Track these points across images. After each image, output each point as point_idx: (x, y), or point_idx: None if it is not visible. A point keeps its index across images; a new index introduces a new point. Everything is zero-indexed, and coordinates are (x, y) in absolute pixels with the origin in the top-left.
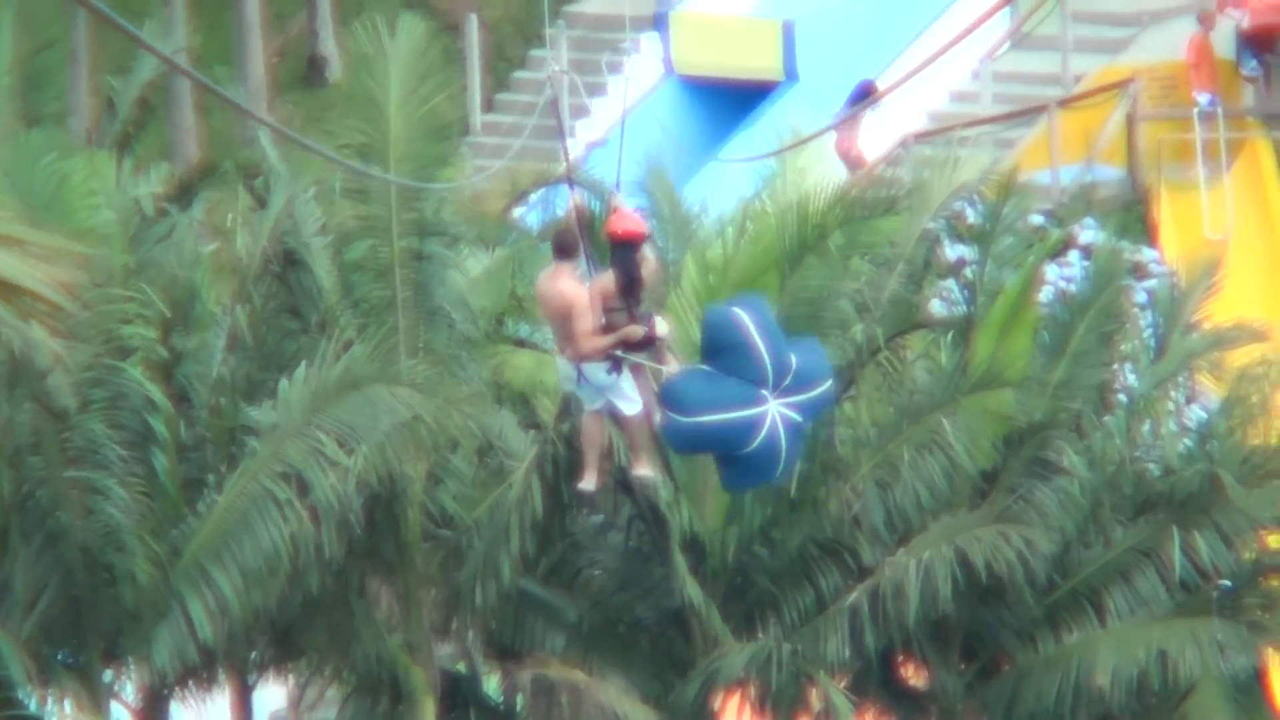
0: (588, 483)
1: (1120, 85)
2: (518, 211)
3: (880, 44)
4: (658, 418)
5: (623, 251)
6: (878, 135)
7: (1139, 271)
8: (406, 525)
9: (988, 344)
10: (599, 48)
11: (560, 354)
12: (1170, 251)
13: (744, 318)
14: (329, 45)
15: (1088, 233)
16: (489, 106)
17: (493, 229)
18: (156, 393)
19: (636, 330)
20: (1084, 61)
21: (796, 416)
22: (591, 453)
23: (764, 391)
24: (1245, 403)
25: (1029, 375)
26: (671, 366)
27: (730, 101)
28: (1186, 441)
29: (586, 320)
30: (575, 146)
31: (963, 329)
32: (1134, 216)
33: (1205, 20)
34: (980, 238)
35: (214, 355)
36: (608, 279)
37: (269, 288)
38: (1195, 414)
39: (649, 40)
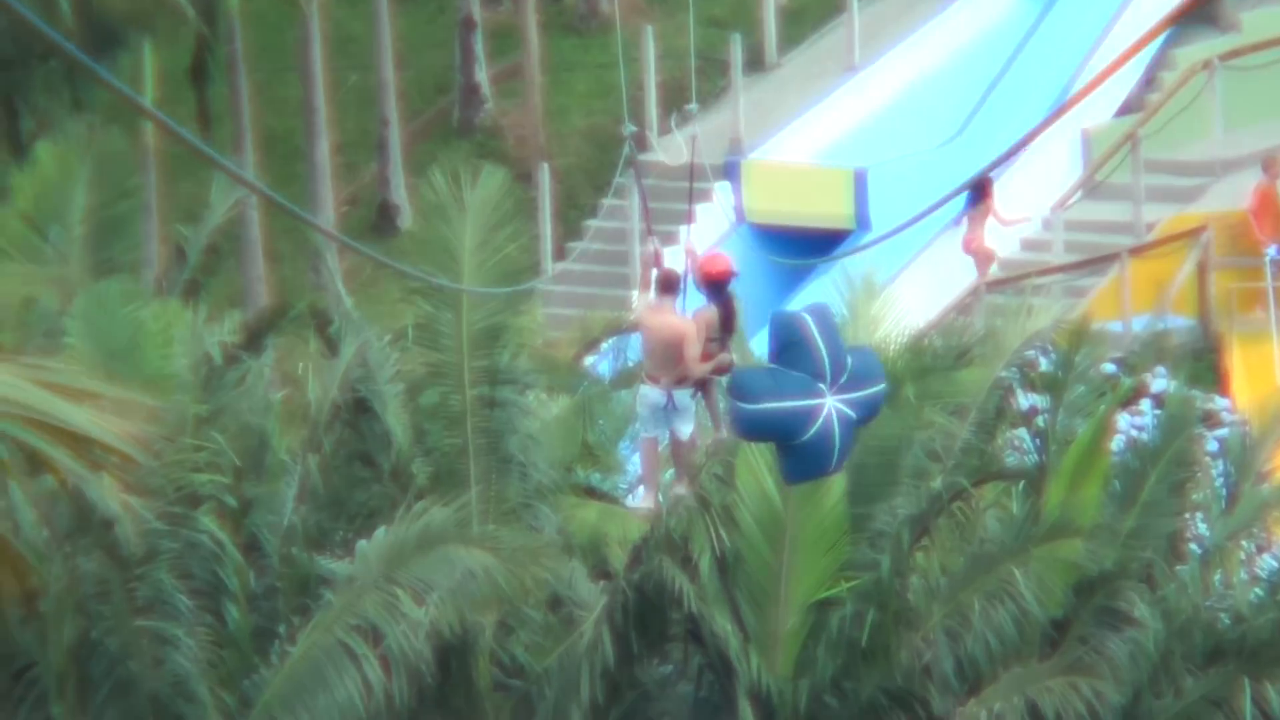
0: (647, 500)
1: (1192, 234)
2: (589, 359)
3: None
4: (721, 433)
5: (718, 289)
6: (948, 280)
7: (1210, 420)
8: (478, 674)
9: (1059, 493)
10: (670, 197)
11: (651, 382)
12: (1241, 400)
13: (807, 319)
14: (400, 193)
15: (1159, 381)
16: (560, 254)
17: (564, 377)
18: (227, 541)
19: (729, 358)
20: (1155, 210)
21: (851, 413)
22: (650, 474)
23: (822, 385)
24: None
25: (1100, 524)
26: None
27: (801, 250)
28: (1258, 590)
29: (695, 348)
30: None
31: (1034, 478)
32: (1205, 365)
33: (1270, 168)
34: (1052, 386)
35: (285, 504)
36: (710, 313)
37: (340, 435)
38: (1267, 563)
39: (720, 189)
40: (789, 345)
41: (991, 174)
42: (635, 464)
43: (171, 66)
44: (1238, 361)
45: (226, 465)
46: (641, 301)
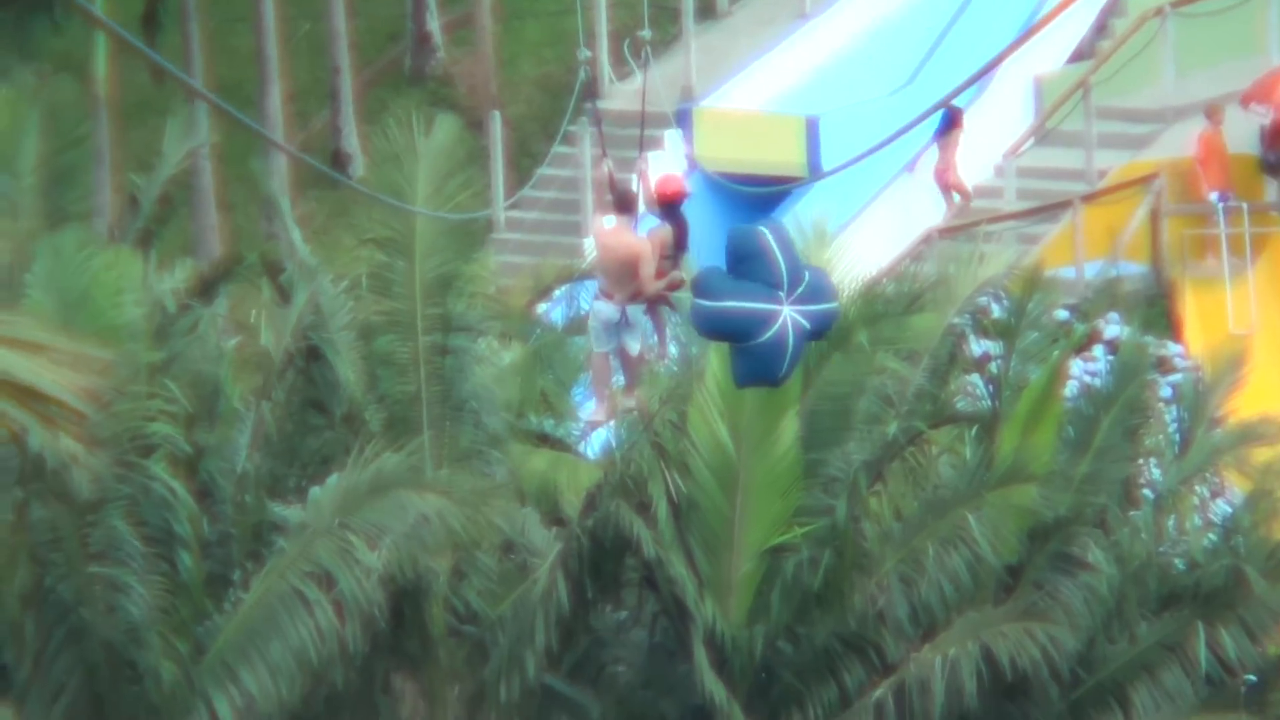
0: (598, 414)
1: (1144, 181)
2: (542, 307)
3: (905, 139)
4: (667, 349)
5: (671, 209)
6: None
7: (1164, 366)
8: (431, 620)
9: (1012, 439)
10: (622, 144)
11: (606, 298)
12: (1195, 346)
13: (765, 231)
14: (352, 142)
15: (1112, 328)
16: (513, 202)
17: (517, 324)
18: (180, 488)
19: (680, 276)
20: (1108, 157)
21: (805, 323)
22: (601, 388)
23: (780, 293)
24: (1270, 498)
25: (1054, 470)
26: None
27: (753, 196)
28: (1211, 536)
29: (650, 266)
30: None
31: (987, 423)
32: (1158, 312)
33: (1213, 116)
34: (1005, 333)
35: (238, 451)
36: (665, 232)
37: (293, 382)
38: (1220, 509)
39: (672, 136)
40: (746, 257)
41: (958, 102)
42: (587, 411)
43: (124, 15)
44: (1190, 307)
45: (180, 413)
46: (597, 221)
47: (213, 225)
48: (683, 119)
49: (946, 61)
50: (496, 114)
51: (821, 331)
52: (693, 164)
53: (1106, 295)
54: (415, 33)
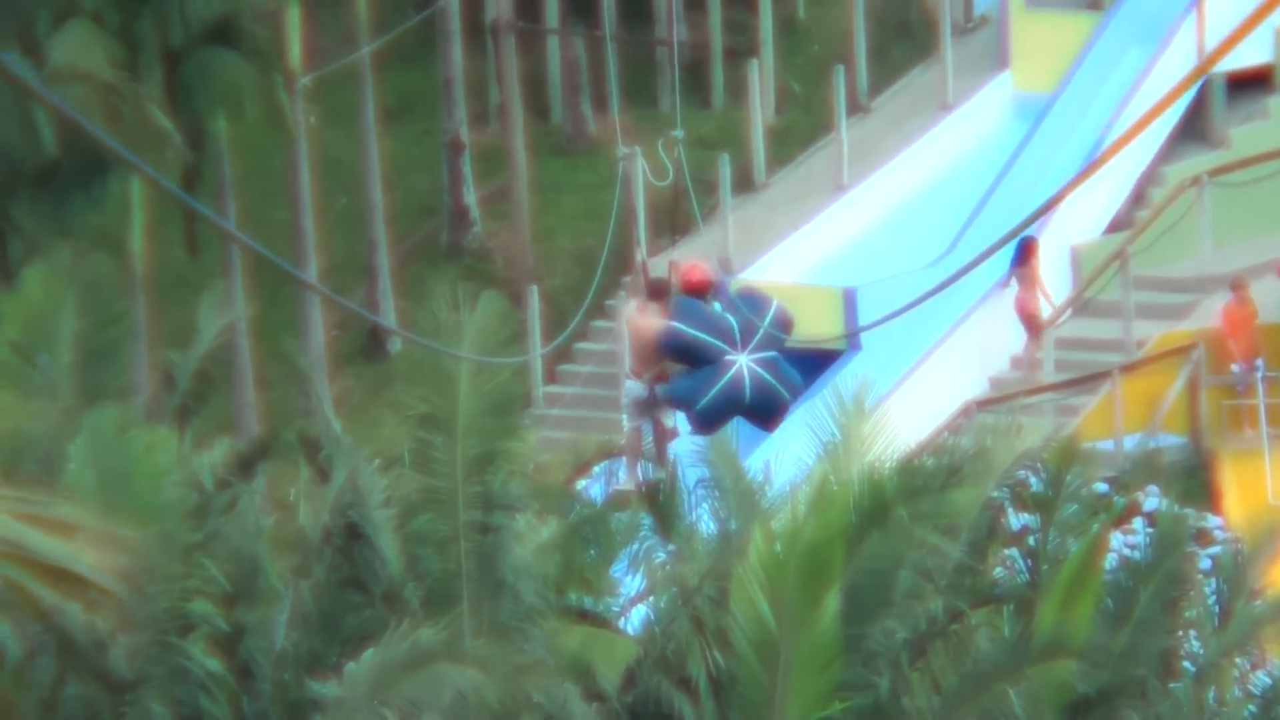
0: (628, 483)
1: (1182, 351)
2: (580, 483)
3: (942, 310)
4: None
5: (697, 297)
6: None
7: (1203, 538)
8: None
9: (1051, 612)
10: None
11: (635, 377)
12: (1234, 518)
13: (674, 328)
14: (390, 317)
15: (1151, 500)
16: (551, 378)
17: (556, 500)
18: (218, 666)
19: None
20: (1146, 327)
21: (762, 372)
22: (632, 458)
23: (729, 356)
24: None
25: (1093, 642)
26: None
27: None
28: (1251, 708)
29: (644, 350)
30: None
31: (1026, 598)
32: (1197, 483)
33: (1237, 288)
34: (1043, 505)
35: (277, 629)
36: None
37: (332, 560)
38: (1260, 680)
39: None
40: (683, 352)
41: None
42: (628, 586)
43: (160, 190)
44: (1229, 479)
45: (218, 592)
46: (630, 306)
47: (250, 402)
48: (721, 292)
49: (985, 231)
50: (534, 288)
51: (785, 379)
52: None
53: (1145, 467)
54: (452, 206)
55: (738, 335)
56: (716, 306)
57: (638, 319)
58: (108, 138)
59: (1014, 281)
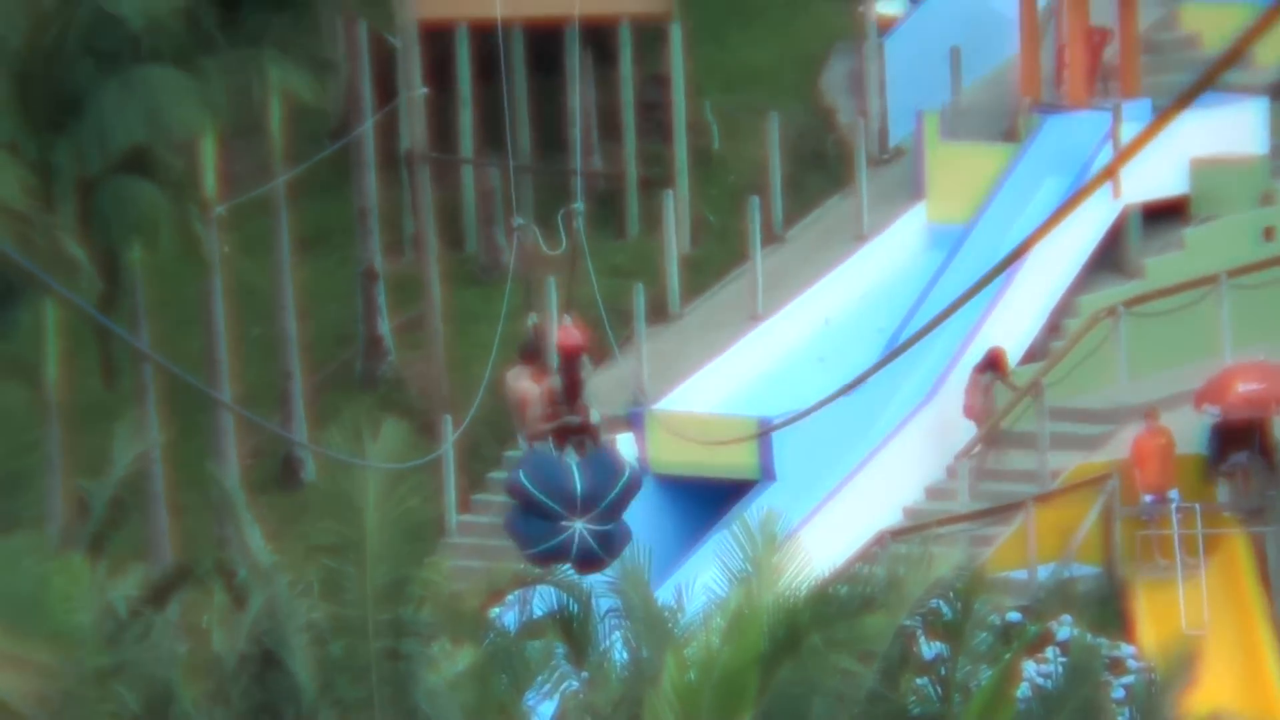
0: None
1: (1097, 482)
2: (494, 611)
3: (858, 440)
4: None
5: (566, 361)
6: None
7: (1116, 667)
8: None
9: None
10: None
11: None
12: (1147, 647)
13: (519, 483)
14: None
15: (1064, 629)
16: (465, 507)
17: (469, 628)
18: None
19: (573, 420)
20: (1061, 458)
21: (605, 527)
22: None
23: (564, 523)
24: None
25: None
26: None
27: (706, 500)
28: None
29: (535, 409)
30: None
31: None
32: (1111, 612)
33: (1150, 418)
34: (955, 634)
35: None
36: (554, 381)
37: (246, 687)
38: None
39: (623, 440)
40: (523, 504)
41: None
42: (543, 714)
43: (74, 319)
44: (1143, 608)
45: (131, 718)
46: (514, 371)
47: (164, 529)
48: (635, 422)
49: (898, 362)
50: (448, 417)
51: (613, 548)
52: (645, 466)
53: (1059, 596)
54: (366, 335)
55: (579, 500)
56: (575, 429)
57: (512, 381)
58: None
59: (973, 385)
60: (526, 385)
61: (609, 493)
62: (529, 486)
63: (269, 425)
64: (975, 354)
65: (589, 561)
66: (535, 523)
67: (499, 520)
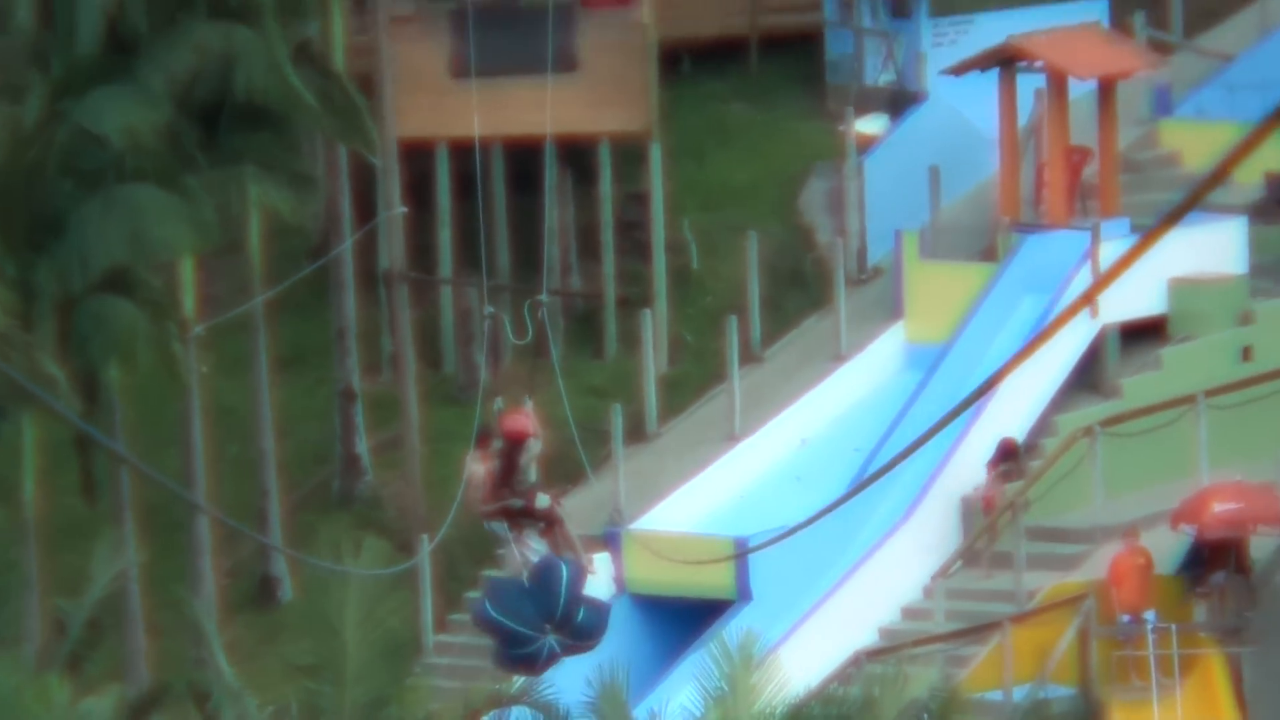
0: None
1: (1073, 602)
2: None
3: (834, 560)
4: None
5: (509, 445)
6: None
7: None
8: None
9: None
10: None
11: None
12: None
13: (484, 611)
14: (280, 566)
15: None
16: (442, 627)
17: None
18: None
19: (515, 503)
20: (1037, 578)
21: (558, 650)
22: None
23: (547, 626)
24: None
25: None
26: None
27: (683, 620)
28: None
29: (477, 492)
30: None
31: None
32: None
33: (1128, 538)
34: None
35: None
36: (494, 466)
37: None
38: None
39: (600, 561)
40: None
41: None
42: None
43: (53, 437)
44: None
45: None
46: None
47: (141, 649)
48: (612, 541)
49: (874, 484)
50: (425, 537)
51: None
52: (621, 587)
53: (1035, 717)
54: (344, 455)
55: (543, 620)
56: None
57: (468, 464)
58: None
59: (987, 479)
60: (475, 468)
61: (557, 602)
62: (496, 616)
63: (250, 533)
64: (952, 475)
65: (574, 649)
66: (515, 652)
67: (476, 640)
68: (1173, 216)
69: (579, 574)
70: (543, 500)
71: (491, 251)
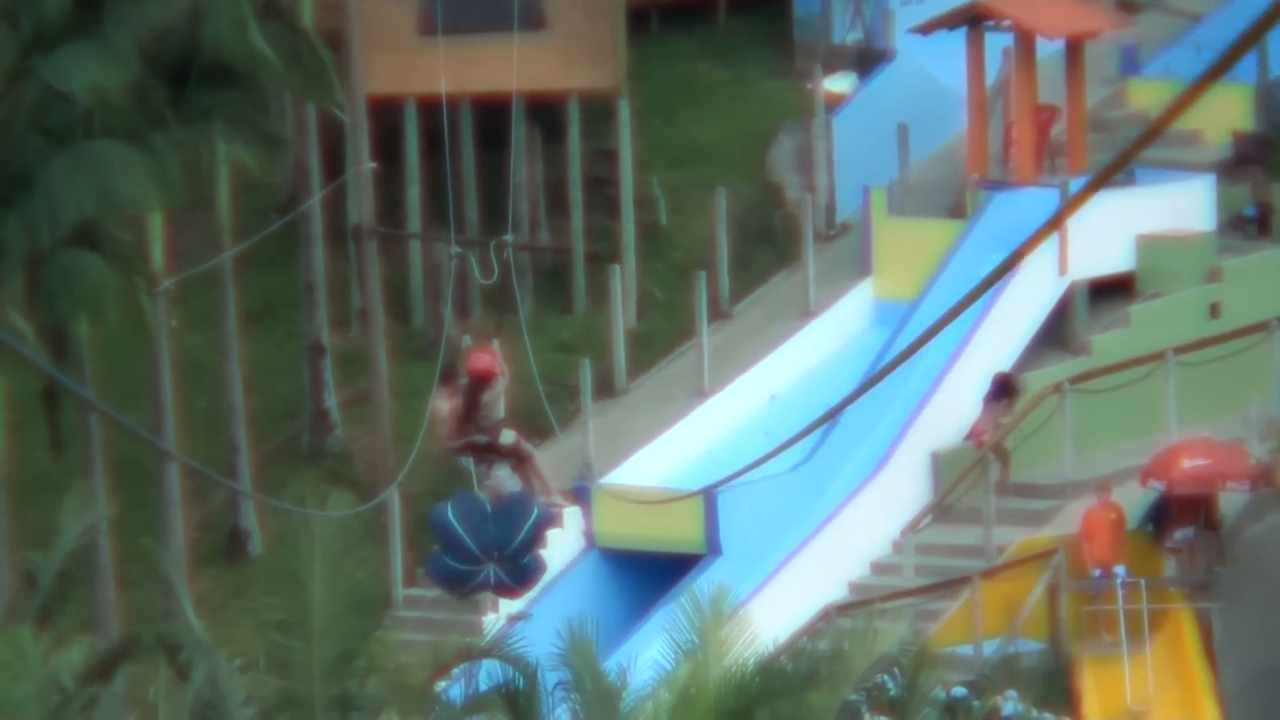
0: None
1: (1043, 557)
2: (440, 685)
3: (804, 514)
4: (541, 498)
5: (472, 383)
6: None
7: None
8: None
9: None
10: None
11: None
12: None
13: (442, 515)
14: (250, 519)
15: (1010, 704)
16: (412, 580)
17: (416, 702)
18: None
19: (479, 439)
20: (1007, 533)
21: (507, 581)
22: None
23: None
24: None
25: None
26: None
27: (652, 574)
28: None
29: (442, 428)
30: (497, 620)
31: None
32: (1056, 688)
33: (1101, 492)
34: (899, 709)
35: None
36: (458, 404)
37: None
38: None
39: (570, 514)
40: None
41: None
42: None
43: (22, 390)
44: (1088, 684)
45: None
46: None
47: (111, 602)
48: (581, 495)
49: (845, 437)
50: (395, 491)
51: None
52: (591, 542)
53: (1005, 672)
54: (313, 410)
55: (494, 548)
56: (502, 476)
57: (433, 401)
58: None
59: (982, 412)
60: (441, 404)
61: (516, 536)
62: (453, 523)
63: (220, 479)
64: (922, 430)
65: (504, 590)
66: (453, 565)
67: (445, 596)
68: (1103, 176)
69: (546, 521)
70: (507, 436)
71: (460, 207)
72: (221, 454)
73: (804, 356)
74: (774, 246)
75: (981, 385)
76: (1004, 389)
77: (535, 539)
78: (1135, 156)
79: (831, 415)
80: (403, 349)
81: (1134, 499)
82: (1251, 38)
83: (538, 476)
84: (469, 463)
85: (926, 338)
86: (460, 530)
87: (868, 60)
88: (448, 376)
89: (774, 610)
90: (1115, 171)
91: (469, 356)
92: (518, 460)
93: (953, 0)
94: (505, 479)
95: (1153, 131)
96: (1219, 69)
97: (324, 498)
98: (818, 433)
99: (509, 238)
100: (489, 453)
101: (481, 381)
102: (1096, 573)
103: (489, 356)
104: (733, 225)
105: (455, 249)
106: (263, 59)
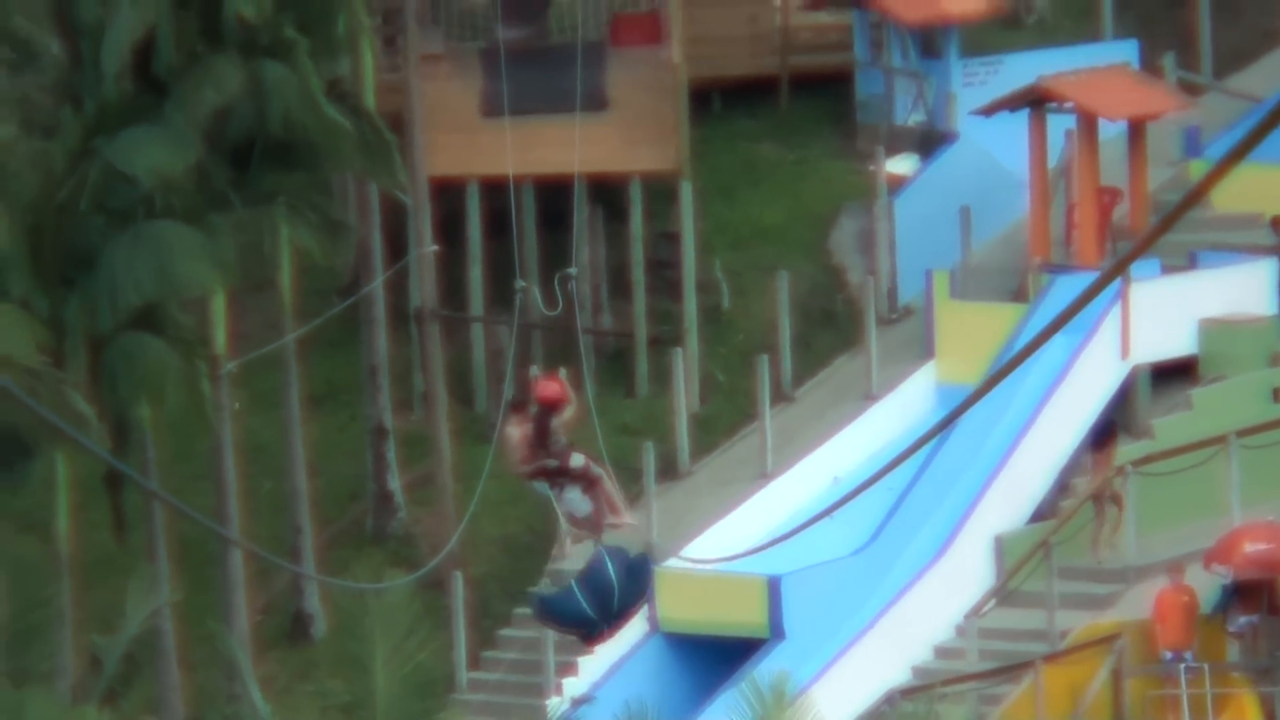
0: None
1: (1106, 641)
2: None
3: (868, 598)
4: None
5: (541, 410)
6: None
7: None
8: None
9: None
10: None
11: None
12: None
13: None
14: (313, 602)
15: None
16: (475, 664)
17: None
18: None
19: (550, 463)
20: (1070, 618)
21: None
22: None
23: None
24: None
25: None
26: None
27: (716, 658)
28: None
29: (513, 454)
30: (561, 703)
31: None
32: None
33: (1174, 574)
34: None
35: None
36: (527, 430)
37: None
38: None
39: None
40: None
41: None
42: None
43: (85, 473)
44: None
45: None
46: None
47: (175, 685)
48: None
49: (908, 520)
50: (458, 574)
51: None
52: (654, 625)
53: None
54: (376, 492)
55: (614, 612)
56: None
57: (505, 428)
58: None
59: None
60: (509, 433)
61: (641, 597)
62: (585, 607)
63: (283, 563)
64: (985, 513)
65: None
66: (566, 615)
67: (509, 677)
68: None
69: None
70: (577, 459)
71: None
72: (285, 536)
73: (866, 439)
74: (836, 329)
75: (1046, 466)
76: (1105, 435)
77: (629, 599)
78: (1159, 237)
79: (862, 490)
80: (465, 432)
81: (1198, 583)
82: (1275, 118)
83: (608, 498)
84: (543, 488)
85: (960, 412)
86: (589, 609)
87: (930, 142)
88: (517, 406)
89: (837, 694)
90: (1146, 248)
91: (537, 384)
92: (588, 483)
93: (1015, 82)
94: (576, 501)
95: (1173, 215)
96: (1241, 150)
97: (383, 579)
98: (879, 516)
99: (573, 270)
100: (560, 476)
101: (550, 408)
102: (1168, 655)
103: (557, 384)
104: (795, 308)
105: (520, 282)
106: (335, 133)
